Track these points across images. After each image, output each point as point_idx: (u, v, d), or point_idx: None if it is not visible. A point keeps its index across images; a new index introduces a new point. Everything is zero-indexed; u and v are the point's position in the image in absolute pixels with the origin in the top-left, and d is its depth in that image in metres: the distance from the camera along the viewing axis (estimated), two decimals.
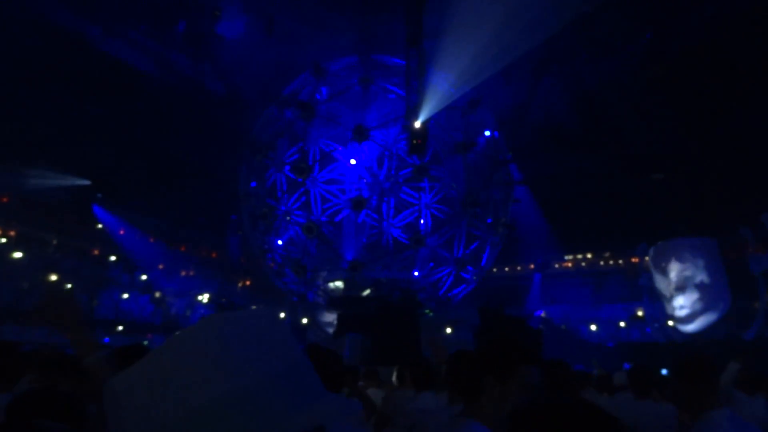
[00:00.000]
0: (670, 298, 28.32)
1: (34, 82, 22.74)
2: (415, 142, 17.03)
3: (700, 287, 27.27)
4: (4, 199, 29.42)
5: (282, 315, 33.72)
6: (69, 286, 30.46)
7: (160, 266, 34.93)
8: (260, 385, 0.71)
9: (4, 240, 29.18)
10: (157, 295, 33.49)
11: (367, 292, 20.84)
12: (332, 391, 2.16)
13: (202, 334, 0.74)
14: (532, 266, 37.60)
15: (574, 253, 39.51)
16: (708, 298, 27.01)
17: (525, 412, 0.89)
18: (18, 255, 28.86)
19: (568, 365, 3.04)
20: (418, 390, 4.17)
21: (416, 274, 21.03)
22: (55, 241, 31.28)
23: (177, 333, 0.76)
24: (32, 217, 29.20)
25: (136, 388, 0.71)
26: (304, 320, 29.74)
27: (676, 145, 26.69)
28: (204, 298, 35.58)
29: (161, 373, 0.71)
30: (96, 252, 32.43)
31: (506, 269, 38.71)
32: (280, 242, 21.33)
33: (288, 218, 20.81)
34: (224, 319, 0.77)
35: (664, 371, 9.57)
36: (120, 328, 28.56)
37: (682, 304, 27.64)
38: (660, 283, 28.85)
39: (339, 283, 21.62)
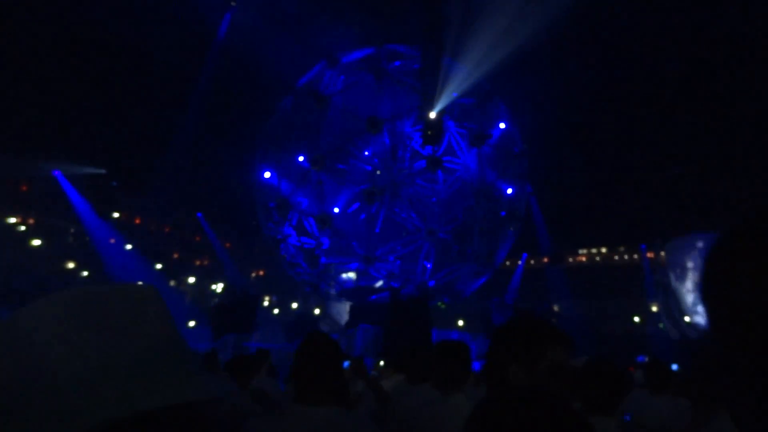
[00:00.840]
0: (686, 295, 28.03)
1: (54, 77, 23.01)
2: (429, 132, 16.95)
3: None
4: (23, 188, 29.88)
5: (294, 305, 33.94)
6: (85, 273, 30.93)
7: (175, 255, 35.32)
8: (117, 362, 0.68)
9: (23, 228, 29.67)
10: (172, 284, 33.87)
11: (379, 283, 20.87)
12: (333, 380, 2.15)
13: (55, 310, 0.71)
14: (545, 260, 37.40)
15: (589, 247, 39.22)
16: None
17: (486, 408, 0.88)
18: (37, 243, 29.35)
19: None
20: (413, 382, 4.00)
21: (428, 266, 21.00)
22: (72, 230, 31.72)
23: (27, 306, 0.73)
24: (50, 206, 29.62)
25: None
26: (317, 311, 29.90)
27: (692, 141, 26.34)
28: (218, 287, 35.94)
29: (5, 347, 0.69)
30: (112, 240, 32.85)
31: (519, 262, 38.53)
32: (293, 233, 21.40)
33: (301, 209, 20.86)
34: (80, 295, 0.73)
35: (674, 366, 9.48)
36: None
37: (696, 300, 27.34)
38: (675, 279, 28.55)
39: (351, 275, 21.68)
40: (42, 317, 0.70)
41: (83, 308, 0.71)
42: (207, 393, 0.72)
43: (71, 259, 30.77)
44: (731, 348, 0.53)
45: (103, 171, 27.37)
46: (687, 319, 28.62)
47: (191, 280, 36.64)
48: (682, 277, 28.43)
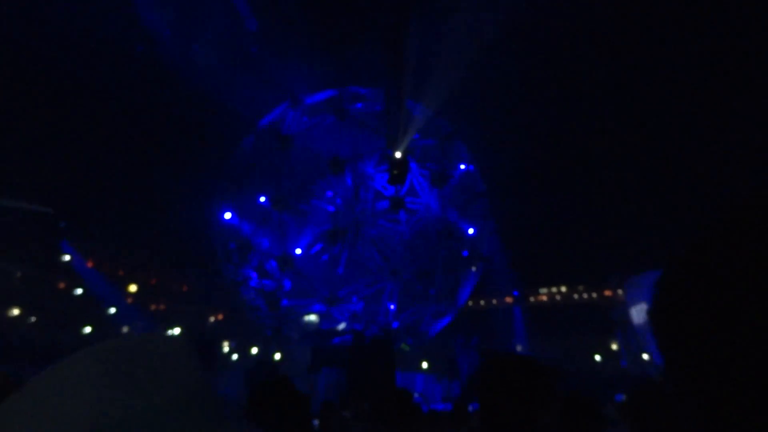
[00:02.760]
0: (645, 332, 28.51)
1: (4, 110, 22.32)
2: (395, 172, 17.05)
3: None
4: None
5: (254, 350, 32.93)
6: (33, 319, 29.34)
7: (129, 300, 33.99)
8: (143, 415, 0.68)
9: None
10: (125, 329, 32.42)
11: (342, 326, 20.49)
12: (299, 427, 2.05)
13: (80, 367, 0.70)
14: (509, 300, 37.62)
15: (549, 286, 39.72)
16: None
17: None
18: None
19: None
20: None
21: (392, 307, 20.77)
22: (19, 274, 30.23)
23: (55, 365, 0.72)
24: None
25: (9, 421, 0.67)
26: (277, 355, 29.02)
27: (647, 177, 27.33)
28: (175, 332, 34.58)
29: (34, 407, 0.67)
30: (62, 285, 31.41)
31: (482, 302, 38.65)
32: (254, 275, 20.92)
33: (262, 250, 20.47)
34: (109, 347, 0.73)
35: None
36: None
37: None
38: (634, 316, 29.06)
39: (313, 317, 21.23)
40: (72, 374, 0.69)
41: (114, 362, 0.70)
42: None
43: (17, 304, 29.19)
44: (679, 380, 0.52)
45: (49, 210, 26.32)
46: (646, 356, 29.03)
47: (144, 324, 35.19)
48: (640, 315, 28.99)
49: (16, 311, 29.20)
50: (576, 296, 40.35)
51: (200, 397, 0.74)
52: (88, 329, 30.37)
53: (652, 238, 27.60)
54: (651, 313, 0.56)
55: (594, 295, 38.62)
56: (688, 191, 26.28)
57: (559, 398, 1.72)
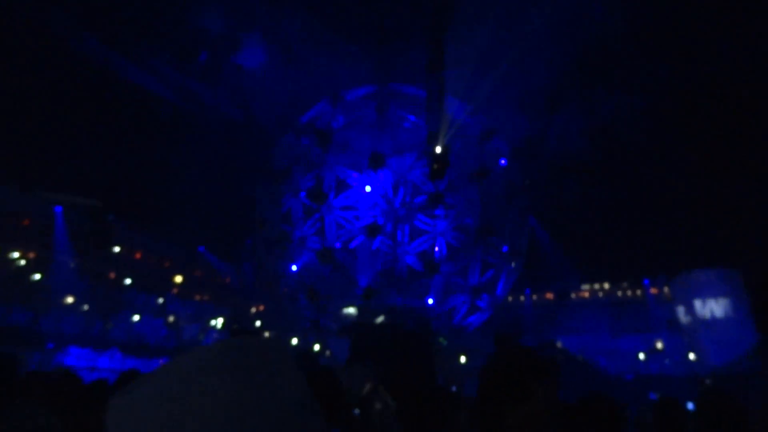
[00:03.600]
0: (692, 331, 27.69)
1: (57, 109, 23.34)
2: (435, 167, 17.06)
3: (723, 320, 26.66)
4: (26, 222, 29.93)
5: (294, 341, 33.54)
6: (86, 307, 30.71)
7: (175, 290, 35.14)
8: (259, 416, 0.70)
9: (23, 262, 29.59)
10: (171, 319, 33.57)
11: (380, 319, 20.67)
12: (342, 418, 2.15)
13: (203, 362, 0.73)
14: (549, 295, 37.11)
15: (592, 282, 38.96)
16: (732, 330, 26.37)
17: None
18: (36, 277, 29.23)
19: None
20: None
21: (430, 301, 20.82)
22: (72, 264, 31.64)
23: (181, 355, 0.76)
24: (51, 240, 29.62)
25: (133, 409, 0.71)
26: (316, 347, 29.51)
27: (696, 176, 26.44)
28: (217, 322, 35.59)
29: (157, 397, 0.70)
30: (112, 275, 32.74)
31: (521, 298, 38.25)
32: (294, 268, 21.31)
33: (303, 244, 20.83)
34: (227, 347, 0.75)
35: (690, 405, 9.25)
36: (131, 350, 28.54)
37: (704, 336, 26.99)
38: (681, 315, 28.25)
39: (352, 310, 21.49)
40: (187, 370, 0.72)
41: (225, 362, 0.72)
42: None
43: (70, 293, 30.58)
44: None
45: (99, 204, 27.41)
46: (692, 356, 28.21)
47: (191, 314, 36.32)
48: (687, 313, 28.15)
49: (70, 299, 30.61)
50: (620, 293, 39.43)
51: (305, 402, 0.76)
52: (136, 317, 31.59)
53: (699, 237, 26.75)
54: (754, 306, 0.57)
55: (638, 292, 37.65)
56: (737, 191, 25.32)
57: (553, 396, 1.64)
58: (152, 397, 0.71)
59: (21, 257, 29.51)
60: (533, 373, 1.65)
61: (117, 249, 32.27)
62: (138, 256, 34.84)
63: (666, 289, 30.60)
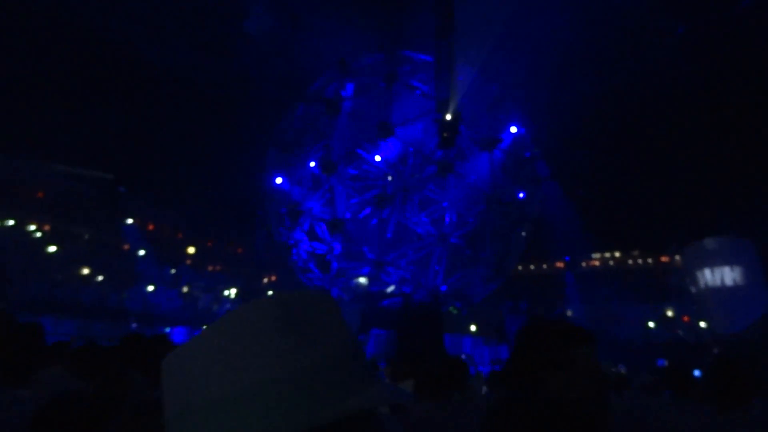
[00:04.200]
0: (703, 299, 27.64)
1: (68, 82, 23.32)
2: (445, 134, 16.88)
3: (734, 288, 26.56)
4: (40, 195, 30.28)
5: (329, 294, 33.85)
6: (101, 278, 31.23)
7: (188, 261, 35.57)
8: (311, 368, 0.71)
9: (39, 234, 30.05)
10: (185, 289, 34.07)
11: (391, 288, 20.83)
12: None
13: (254, 315, 0.74)
14: (559, 264, 37.10)
15: (602, 251, 38.87)
16: (743, 299, 26.26)
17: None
18: (52, 249, 29.70)
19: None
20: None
21: (440, 271, 20.91)
22: (87, 236, 32.08)
23: (231, 312, 0.77)
24: (66, 213, 30.00)
25: (186, 364, 0.73)
26: None
27: (709, 142, 26.00)
28: (231, 292, 36.08)
29: (211, 351, 0.72)
30: (126, 247, 33.17)
31: (532, 267, 38.30)
32: (304, 238, 21.43)
33: (312, 214, 20.90)
34: (277, 300, 0.77)
35: (696, 372, 9.31)
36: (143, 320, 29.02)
37: (715, 304, 26.94)
38: (692, 283, 28.17)
39: (362, 280, 21.66)
40: (243, 323, 0.73)
41: (280, 314, 0.74)
42: (393, 399, 0.77)
43: (86, 264, 31.08)
44: None
45: (110, 176, 27.56)
46: (703, 324, 28.23)
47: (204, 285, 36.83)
48: (698, 282, 28.06)
49: (86, 270, 31.14)
50: (630, 262, 39.35)
51: (353, 354, 0.77)
52: (150, 288, 32.09)
53: (711, 204, 26.44)
54: None
55: (649, 261, 37.54)
56: (752, 159, 24.89)
57: (596, 368, 1.67)
58: (205, 353, 0.72)
59: (37, 230, 29.95)
60: (573, 340, 1.63)
61: (130, 221, 32.57)
62: (151, 227, 35.21)
63: (677, 258, 30.45)
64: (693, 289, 28.28)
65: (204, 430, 0.68)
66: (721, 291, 26.97)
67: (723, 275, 27.05)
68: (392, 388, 0.80)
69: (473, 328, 30.74)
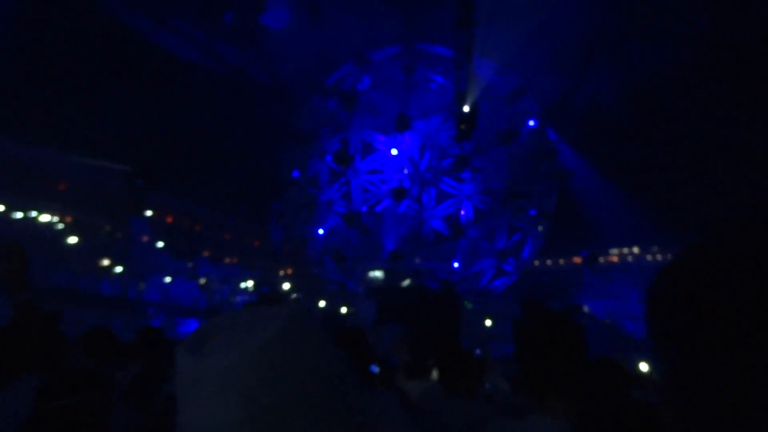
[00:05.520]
0: None
1: (83, 73, 23.57)
2: (463, 127, 16.76)
3: None
4: (62, 186, 30.75)
5: (322, 304, 34.14)
6: (120, 269, 31.67)
7: (206, 253, 35.90)
8: (307, 392, 0.71)
9: (61, 226, 30.54)
10: (203, 281, 34.40)
11: (406, 282, 20.82)
12: (363, 373, 2.19)
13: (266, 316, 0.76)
14: (577, 259, 36.76)
15: (620, 246, 38.44)
16: None
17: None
18: (73, 240, 30.18)
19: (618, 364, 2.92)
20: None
21: (456, 265, 20.84)
22: (107, 228, 32.55)
23: (239, 311, 0.79)
24: (87, 204, 30.44)
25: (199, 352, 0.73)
26: (343, 309, 29.98)
27: (733, 136, 25.47)
28: (248, 285, 36.36)
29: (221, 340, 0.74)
30: (145, 238, 33.52)
31: (548, 262, 38.03)
32: (321, 231, 21.49)
33: (329, 208, 20.94)
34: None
35: None
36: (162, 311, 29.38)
37: None
38: None
39: (378, 273, 21.67)
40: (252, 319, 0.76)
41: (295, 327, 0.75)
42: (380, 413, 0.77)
43: (106, 256, 31.55)
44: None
45: (128, 168, 27.79)
46: None
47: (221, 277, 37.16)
48: None
49: (106, 262, 31.60)
50: (649, 257, 38.84)
51: (343, 371, 0.77)
52: (168, 279, 32.44)
53: (729, 200, 25.93)
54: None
55: (669, 256, 36.97)
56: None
57: (584, 356, 1.69)
58: (217, 339, 0.74)
59: (59, 221, 30.45)
60: (555, 334, 1.68)
61: (149, 213, 32.90)
62: (170, 220, 35.57)
63: None
64: None
65: None
66: None
67: None
68: (380, 396, 0.81)
69: (488, 323, 30.61)
